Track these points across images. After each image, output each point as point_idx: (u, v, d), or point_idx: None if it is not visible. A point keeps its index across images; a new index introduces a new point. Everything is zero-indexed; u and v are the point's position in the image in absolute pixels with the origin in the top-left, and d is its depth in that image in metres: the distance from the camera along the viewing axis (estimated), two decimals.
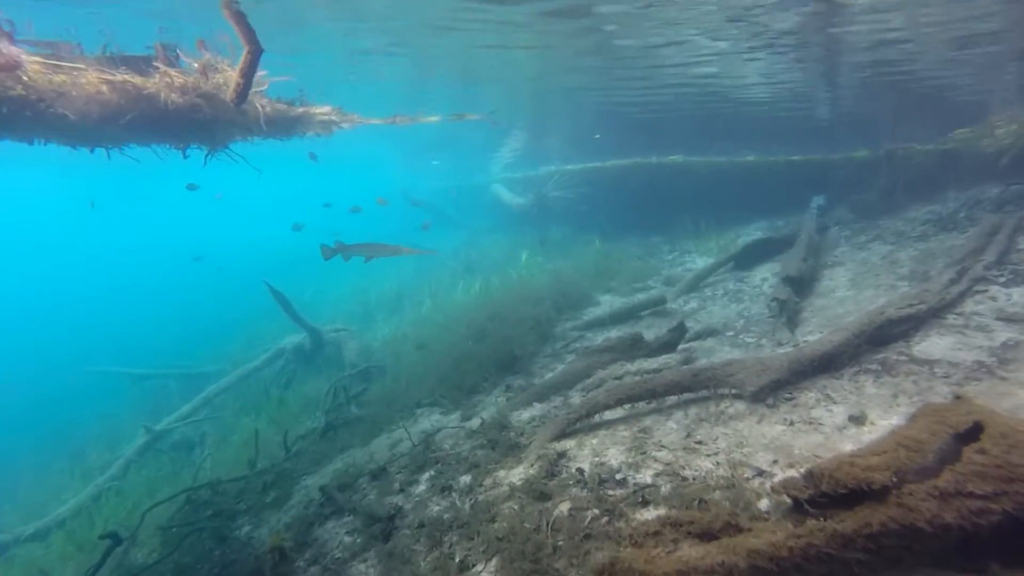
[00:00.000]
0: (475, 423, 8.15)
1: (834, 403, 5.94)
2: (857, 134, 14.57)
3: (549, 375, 9.33)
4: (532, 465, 6.06)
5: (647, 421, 6.45)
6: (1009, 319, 6.80)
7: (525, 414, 7.89)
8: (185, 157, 7.92)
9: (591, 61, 14.12)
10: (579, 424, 6.61)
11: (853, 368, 6.47)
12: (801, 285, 9.80)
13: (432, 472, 6.89)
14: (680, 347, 8.76)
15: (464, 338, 11.10)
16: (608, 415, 6.71)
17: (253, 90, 6.99)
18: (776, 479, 4.82)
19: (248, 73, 5.26)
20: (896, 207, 12.24)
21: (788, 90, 15.40)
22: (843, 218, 13.17)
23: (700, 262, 13.79)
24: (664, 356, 8.34)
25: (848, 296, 9.20)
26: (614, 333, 10.70)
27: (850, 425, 5.50)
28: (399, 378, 11.60)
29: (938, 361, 6.27)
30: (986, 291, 7.59)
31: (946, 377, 5.94)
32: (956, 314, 7.21)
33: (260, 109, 7.31)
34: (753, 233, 14.63)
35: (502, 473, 6.17)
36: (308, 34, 13.17)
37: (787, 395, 6.22)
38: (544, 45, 13.15)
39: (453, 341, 11.40)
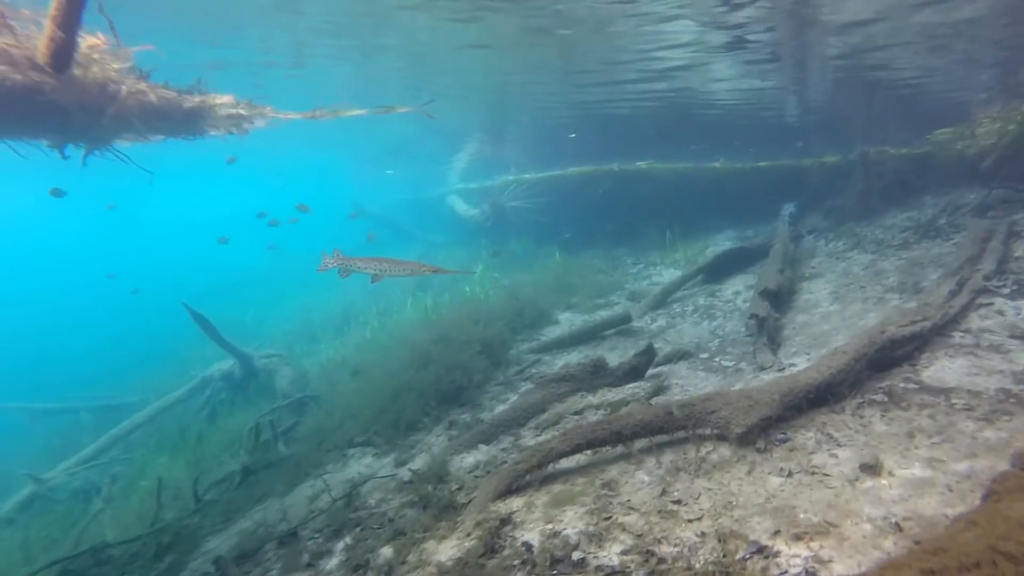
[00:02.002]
0: (410, 469, 6.85)
1: (838, 446, 4.84)
2: (829, 138, 13.92)
3: (499, 408, 8.08)
4: (469, 535, 4.77)
5: (612, 471, 5.24)
6: None
7: (468, 458, 6.61)
8: (64, 158, 6.52)
9: (548, 57, 13.15)
10: (530, 476, 5.36)
11: (855, 400, 5.40)
12: (779, 299, 8.82)
13: (349, 540, 5.54)
14: (649, 373, 7.63)
15: (406, 365, 9.76)
16: (565, 463, 5.49)
17: (120, 66, 5.64)
18: (780, 557, 3.67)
19: (68, 21, 3.89)
20: (872, 213, 11.47)
21: (757, 91, 14.71)
22: (817, 226, 12.37)
23: (667, 275, 12.79)
24: (631, 385, 7.18)
25: (833, 311, 8.23)
26: (574, 356, 9.53)
27: (863, 476, 4.39)
28: (334, 411, 10.21)
29: (954, 390, 5.25)
30: (991, 304, 6.69)
31: (969, 410, 4.92)
32: (963, 331, 6.26)
33: (138, 94, 5.95)
34: (722, 243, 13.75)
35: (431, 545, 4.86)
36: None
37: (780, 436, 5.11)
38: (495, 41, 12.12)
39: (394, 368, 10.04)
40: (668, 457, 5.23)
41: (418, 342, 10.17)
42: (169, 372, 17.13)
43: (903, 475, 4.29)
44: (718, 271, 11.36)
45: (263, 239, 19.84)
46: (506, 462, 6.21)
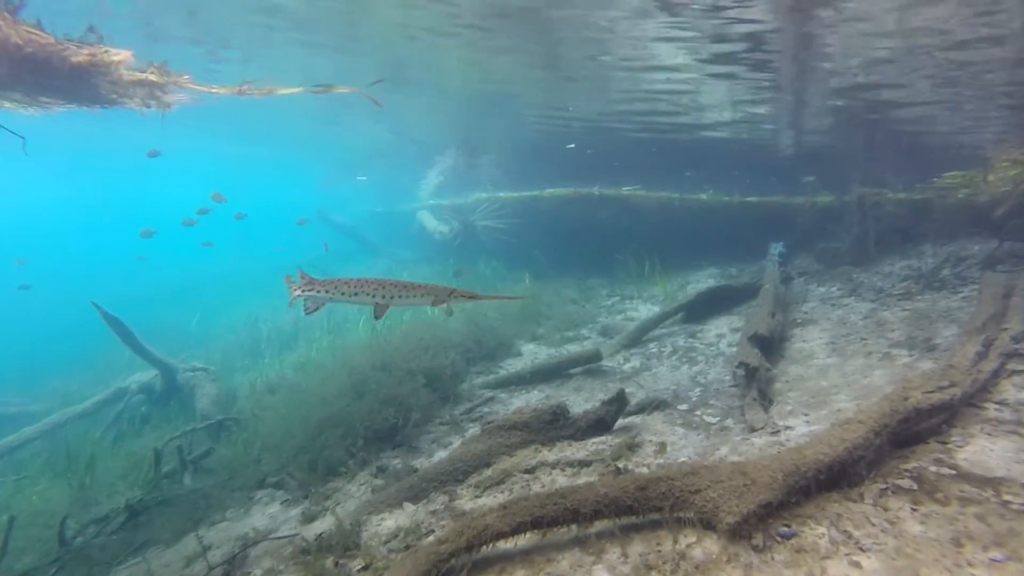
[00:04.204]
0: (317, 528, 5.51)
1: (861, 550, 3.66)
2: (822, 176, 13.17)
3: (439, 454, 6.79)
4: None
5: (563, 563, 3.98)
6: None
7: (388, 521, 5.29)
8: None
9: (534, 71, 12.20)
10: (455, 561, 4.06)
11: (877, 484, 4.25)
12: (771, 346, 7.74)
13: None
14: (619, 424, 6.43)
15: (341, 393, 8.39)
16: (505, 545, 4.21)
17: None
18: None
19: None
20: (868, 259, 10.58)
21: (749, 123, 13.93)
22: (808, 268, 11.44)
23: (644, 310, 11.69)
24: (596, 439, 5.95)
25: (831, 364, 7.16)
26: (534, 396, 8.30)
27: None
28: (255, 440, 8.78)
29: (1004, 481, 4.13)
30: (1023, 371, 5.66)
31: None
32: (997, 404, 5.19)
33: None
34: (704, 280, 12.74)
35: None
36: None
37: (783, 529, 3.92)
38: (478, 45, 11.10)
39: (329, 395, 8.66)
40: (637, 548, 3.99)
41: (357, 367, 8.83)
42: (90, 378, 15.42)
43: None
44: (700, 310, 10.29)
45: (198, 236, 18.29)
46: (433, 531, 4.92)
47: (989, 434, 4.71)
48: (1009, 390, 5.37)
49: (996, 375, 5.57)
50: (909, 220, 10.86)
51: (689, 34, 9.55)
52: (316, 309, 4.97)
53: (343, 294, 4.79)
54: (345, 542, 4.85)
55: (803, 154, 15.87)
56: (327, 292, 4.82)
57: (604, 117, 15.26)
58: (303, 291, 4.85)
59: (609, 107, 14.19)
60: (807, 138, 14.70)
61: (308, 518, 5.89)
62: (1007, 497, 3.94)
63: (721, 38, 9.42)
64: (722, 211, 13.70)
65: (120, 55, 5.49)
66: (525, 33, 10.50)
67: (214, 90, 6.29)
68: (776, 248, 11.98)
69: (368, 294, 4.75)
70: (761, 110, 12.70)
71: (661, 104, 13.49)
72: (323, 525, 5.52)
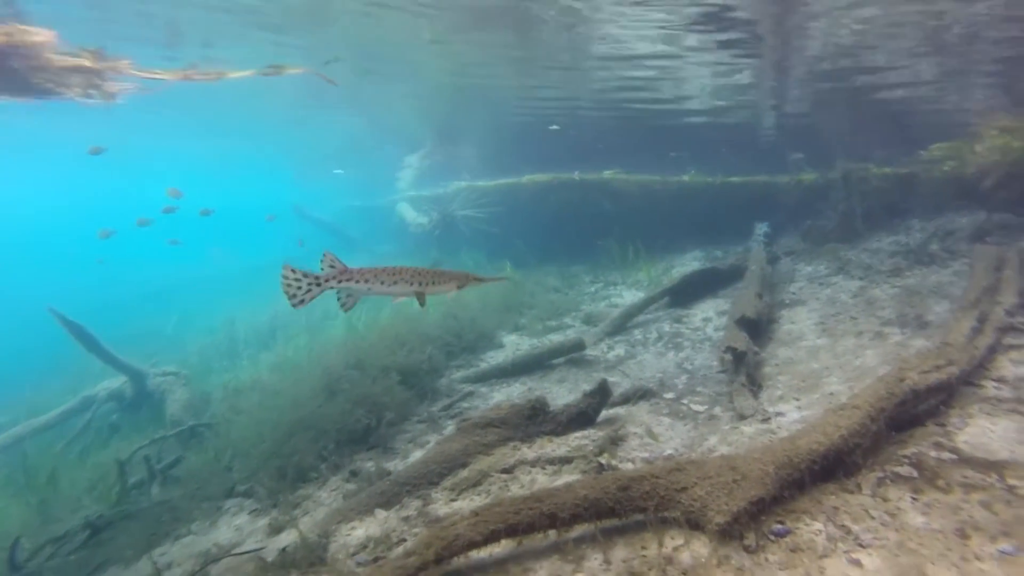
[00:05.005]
0: (283, 540, 5.16)
1: (860, 547, 3.38)
2: (807, 154, 12.88)
3: (416, 454, 6.44)
4: None
5: (541, 573, 3.67)
6: None
7: (359, 530, 4.95)
8: None
9: (511, 50, 11.77)
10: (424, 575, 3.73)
11: (875, 473, 3.97)
12: (758, 329, 7.46)
13: None
14: (602, 416, 6.12)
15: (314, 393, 8.02)
16: (478, 554, 3.88)
17: None
18: None
19: None
20: (855, 236, 10.34)
21: (732, 97, 13.59)
22: (794, 248, 11.17)
23: (628, 296, 11.38)
24: (578, 434, 5.63)
25: (822, 345, 6.89)
26: (516, 389, 7.98)
27: None
28: (227, 445, 8.38)
29: (1007, 464, 3.87)
30: (1022, 346, 5.41)
31: None
32: (996, 381, 4.94)
33: None
34: (689, 263, 12.45)
35: None
36: None
37: (777, 526, 3.63)
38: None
39: (300, 396, 8.28)
40: (620, 553, 3.68)
41: (331, 367, 8.45)
42: (62, 387, 14.87)
43: None
44: (685, 294, 10.00)
45: (165, 234, 17.77)
46: (405, 539, 4.59)
47: (989, 414, 4.45)
48: (1007, 366, 5.12)
49: (992, 351, 5.32)
50: (896, 195, 10.62)
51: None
52: (354, 303, 4.21)
53: (382, 283, 4.09)
54: (310, 556, 4.50)
55: (787, 130, 15.57)
56: (366, 283, 4.08)
57: (584, 99, 14.88)
58: (339, 281, 4.05)
59: (588, 86, 13.80)
60: (791, 110, 14.35)
61: (275, 529, 5.54)
62: (1012, 482, 3.68)
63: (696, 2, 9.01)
64: (706, 192, 13.39)
65: (41, 35, 5.03)
66: (495, 11, 10.08)
67: (158, 75, 5.85)
68: (761, 228, 11.70)
69: (407, 282, 4.13)
70: (744, 79, 12.31)
71: (640, 81, 13.14)
72: (290, 537, 5.17)
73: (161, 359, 12.95)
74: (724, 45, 10.66)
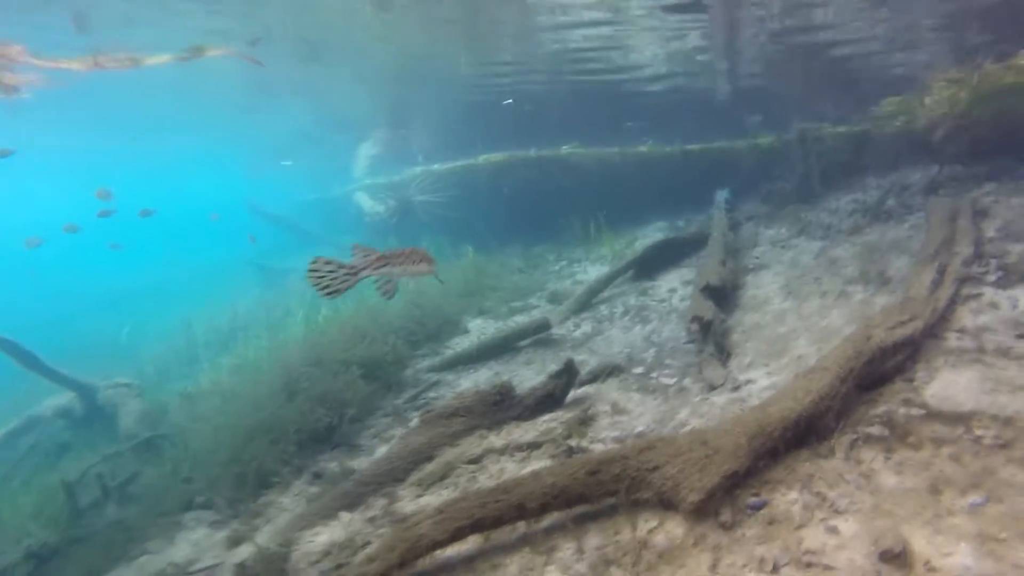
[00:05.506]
0: (243, 553, 4.88)
1: (837, 513, 3.29)
2: (764, 116, 12.85)
3: (380, 450, 6.19)
4: None
5: (511, 568, 3.49)
6: None
7: (322, 536, 4.70)
8: None
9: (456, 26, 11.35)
10: None
11: (847, 435, 3.88)
12: (724, 296, 7.38)
13: None
14: (571, 397, 5.96)
15: (272, 394, 7.68)
16: (445, 553, 3.69)
17: None
18: None
19: None
20: (814, 196, 10.35)
21: (684, 61, 13.42)
22: (756, 212, 11.16)
23: (592, 272, 11.24)
24: (546, 417, 5.47)
25: (788, 308, 6.84)
26: (483, 374, 7.78)
27: (885, 568, 2.84)
28: (185, 456, 7.99)
29: (974, 415, 3.83)
30: (979, 295, 5.42)
31: (1003, 447, 3.49)
32: (957, 331, 4.92)
33: None
34: (652, 235, 12.34)
35: None
36: None
37: (753, 499, 3.52)
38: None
39: (259, 398, 7.94)
40: (593, 541, 3.53)
41: (290, 365, 8.12)
42: (6, 408, 14.09)
43: (947, 568, 2.76)
44: (650, 266, 9.89)
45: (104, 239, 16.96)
46: (370, 542, 4.36)
47: (953, 365, 4.42)
48: (967, 316, 5.11)
49: (953, 302, 5.31)
50: (851, 153, 10.63)
51: None
52: (395, 288, 3.92)
53: (413, 263, 3.77)
54: (269, 570, 4.24)
55: (743, 93, 15.47)
56: (401, 265, 3.76)
57: (537, 72, 14.53)
58: (375, 268, 3.73)
59: (538, 60, 13.46)
60: (745, 71, 14.26)
61: (234, 542, 5.25)
62: (978, 432, 3.63)
63: None
64: (665, 162, 13.25)
65: None
66: None
67: (63, 64, 5.33)
68: (722, 195, 11.63)
69: (427, 261, 3.83)
70: (693, 42, 12.14)
71: (591, 53, 12.88)
72: (250, 549, 4.89)
73: (116, 371, 12.32)
74: (669, 10, 10.45)
